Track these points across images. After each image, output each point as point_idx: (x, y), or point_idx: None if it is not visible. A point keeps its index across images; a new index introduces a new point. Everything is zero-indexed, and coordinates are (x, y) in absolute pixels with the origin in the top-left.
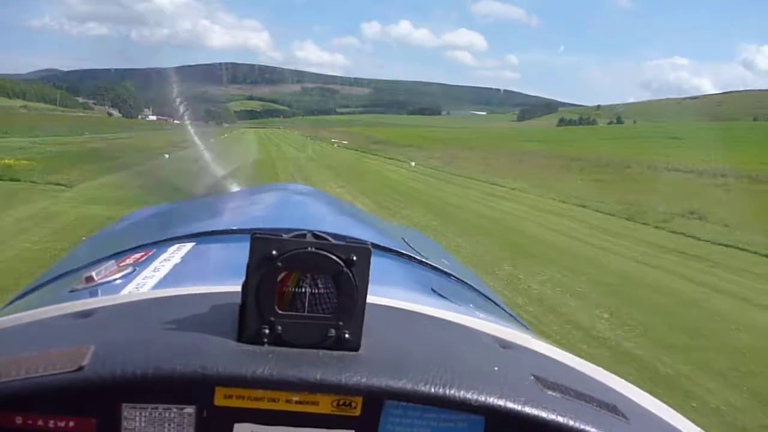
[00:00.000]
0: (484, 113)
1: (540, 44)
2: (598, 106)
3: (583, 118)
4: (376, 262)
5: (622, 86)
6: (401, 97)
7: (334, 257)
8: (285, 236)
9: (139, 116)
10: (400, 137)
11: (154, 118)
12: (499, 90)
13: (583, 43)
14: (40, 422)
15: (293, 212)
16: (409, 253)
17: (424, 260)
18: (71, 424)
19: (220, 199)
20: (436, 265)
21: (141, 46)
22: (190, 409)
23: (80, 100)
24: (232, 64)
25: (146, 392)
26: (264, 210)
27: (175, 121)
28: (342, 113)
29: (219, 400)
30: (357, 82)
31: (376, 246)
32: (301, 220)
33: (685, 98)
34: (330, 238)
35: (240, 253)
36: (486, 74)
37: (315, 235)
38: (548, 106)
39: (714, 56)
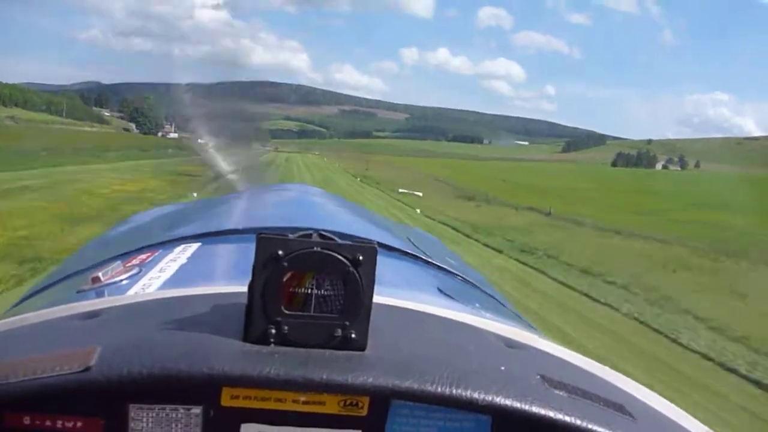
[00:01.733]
0: (527, 143)
1: (579, 76)
2: (649, 141)
3: (642, 154)
4: (382, 262)
5: (662, 120)
6: (439, 124)
7: (340, 257)
8: (291, 236)
9: (159, 133)
10: (485, 183)
11: (175, 135)
12: (539, 121)
13: (622, 76)
14: (47, 422)
15: (299, 212)
16: (415, 253)
17: (430, 260)
18: (79, 424)
19: (226, 200)
20: (441, 265)
21: (182, 62)
22: (197, 410)
23: (102, 112)
24: (271, 82)
25: (153, 393)
26: (270, 210)
27: (200, 140)
28: (379, 137)
29: (226, 400)
30: (394, 106)
31: (382, 246)
32: (306, 220)
33: (744, 138)
34: (336, 238)
35: (246, 253)
36: (522, 104)
37: (321, 235)
38: (594, 139)
39: (757, 95)
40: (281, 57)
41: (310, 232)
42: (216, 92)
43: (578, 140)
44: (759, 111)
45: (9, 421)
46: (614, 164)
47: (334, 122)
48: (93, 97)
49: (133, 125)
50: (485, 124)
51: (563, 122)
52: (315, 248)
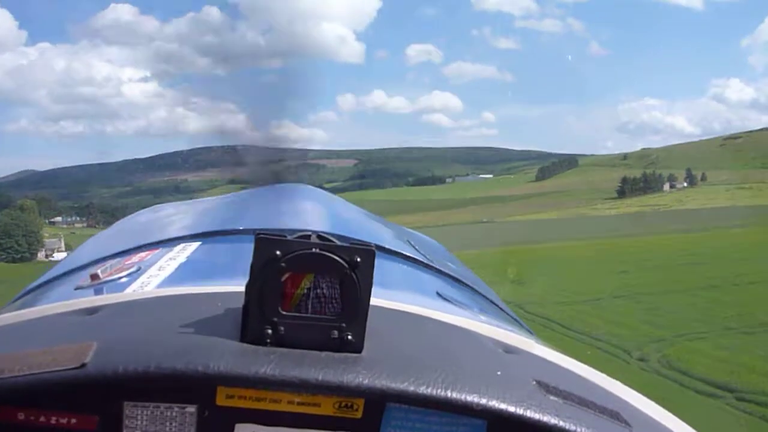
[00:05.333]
0: (491, 176)
1: (514, 98)
2: (625, 156)
3: (649, 176)
4: (381, 265)
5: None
6: (389, 165)
7: (338, 259)
8: (289, 237)
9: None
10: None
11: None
12: (486, 148)
13: (557, 92)
14: (42, 418)
15: (298, 213)
16: (414, 256)
17: (428, 263)
18: (73, 420)
19: (226, 199)
20: (440, 269)
21: (117, 140)
22: (191, 408)
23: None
24: (210, 147)
25: (148, 390)
26: (269, 210)
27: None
28: (331, 188)
29: (221, 399)
30: (340, 154)
31: (380, 248)
32: (305, 221)
33: (726, 138)
34: (334, 240)
35: (244, 253)
36: (464, 134)
37: (319, 236)
38: (569, 162)
39: (683, 95)
40: (217, 120)
41: (309, 233)
42: (154, 165)
43: (554, 165)
44: (688, 110)
45: (4, 416)
46: (621, 193)
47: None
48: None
49: None
50: (434, 158)
51: (508, 146)
52: (313, 249)
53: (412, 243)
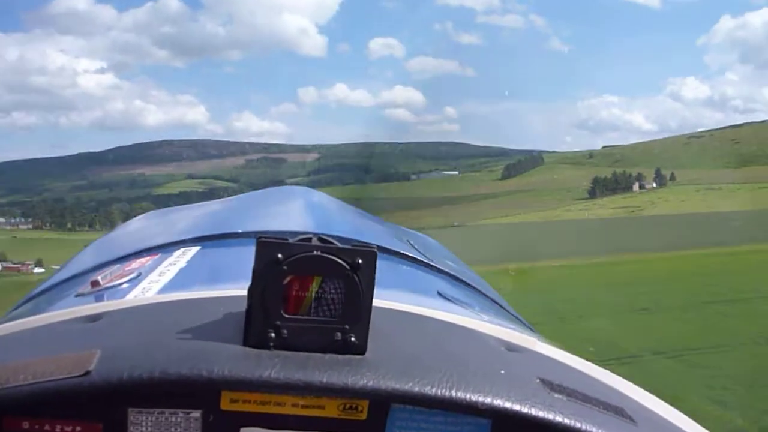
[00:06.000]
0: (456, 173)
1: (476, 94)
2: (591, 154)
3: (619, 176)
4: (382, 266)
5: (560, 127)
6: (352, 159)
7: (340, 261)
8: (291, 240)
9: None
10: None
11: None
12: (448, 143)
13: (518, 88)
14: (47, 427)
15: (299, 215)
16: (415, 256)
17: (430, 263)
18: (78, 428)
19: (226, 203)
20: (441, 268)
21: (72, 132)
22: (196, 414)
23: None
24: (168, 141)
25: (152, 397)
26: (269, 213)
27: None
28: (293, 184)
29: (225, 404)
30: (302, 148)
31: (381, 249)
32: (306, 224)
33: (690, 136)
34: (336, 242)
35: (246, 256)
36: (425, 128)
37: (321, 239)
38: (534, 160)
39: (642, 93)
40: (176, 113)
41: (310, 235)
42: (110, 159)
43: (518, 163)
44: (646, 108)
45: (8, 426)
46: (593, 194)
47: (243, 174)
48: None
49: None
50: (397, 153)
51: (469, 141)
52: (315, 252)
53: (412, 243)
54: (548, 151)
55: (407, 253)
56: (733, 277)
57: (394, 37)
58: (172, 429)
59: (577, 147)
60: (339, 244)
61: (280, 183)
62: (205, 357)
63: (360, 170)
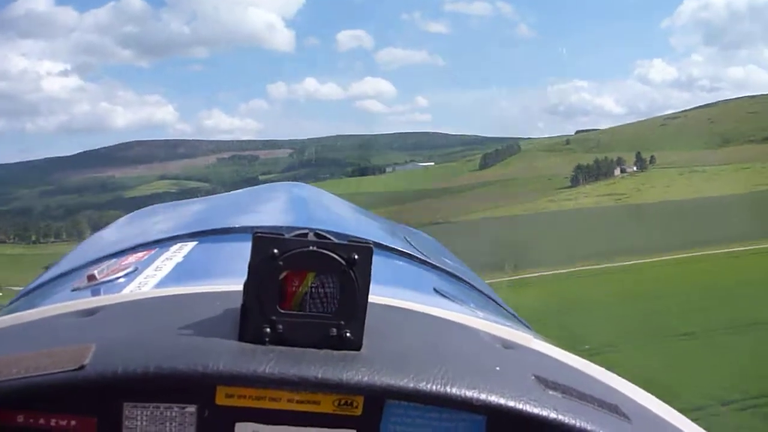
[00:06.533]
0: (432, 163)
1: (447, 83)
2: (567, 140)
3: (600, 162)
4: (378, 262)
5: (532, 113)
6: (326, 154)
7: (336, 256)
8: (287, 235)
9: None
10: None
11: None
12: (421, 133)
13: (488, 76)
14: (41, 421)
15: (295, 211)
16: (411, 252)
17: (426, 260)
18: (73, 422)
19: (222, 198)
20: (437, 265)
21: (38, 137)
22: (191, 408)
23: None
24: (138, 142)
25: (148, 391)
26: (266, 208)
27: None
28: (267, 180)
29: (220, 399)
30: (274, 144)
31: (378, 245)
32: (302, 219)
33: (666, 118)
34: (332, 237)
35: (241, 252)
36: (397, 119)
37: (317, 234)
38: (510, 148)
39: (610, 76)
40: (144, 113)
41: (306, 231)
42: (78, 162)
43: (495, 152)
44: (615, 91)
45: (3, 419)
46: (575, 182)
47: (216, 173)
48: None
49: None
50: (371, 145)
51: (442, 131)
52: (311, 247)
53: (409, 239)
54: (523, 138)
55: (403, 250)
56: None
57: (362, 28)
58: (167, 423)
59: (549, 133)
60: (335, 240)
61: (254, 180)
62: (201, 352)
63: (334, 165)
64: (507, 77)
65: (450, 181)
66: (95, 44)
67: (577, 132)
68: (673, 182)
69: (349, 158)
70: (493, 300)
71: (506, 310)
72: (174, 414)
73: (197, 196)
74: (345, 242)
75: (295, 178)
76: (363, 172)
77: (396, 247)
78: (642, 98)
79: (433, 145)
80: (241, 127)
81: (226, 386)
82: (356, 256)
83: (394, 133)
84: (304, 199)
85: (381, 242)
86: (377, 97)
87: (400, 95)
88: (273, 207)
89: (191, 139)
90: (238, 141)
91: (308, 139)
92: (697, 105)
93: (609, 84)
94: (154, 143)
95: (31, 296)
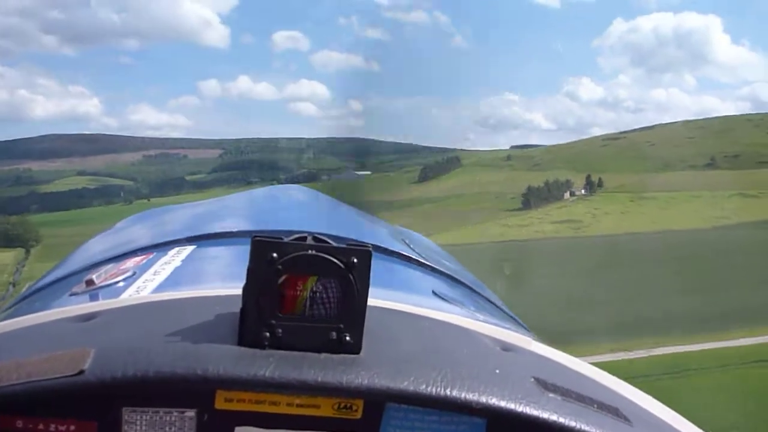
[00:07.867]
0: (369, 172)
1: (381, 89)
2: (508, 156)
3: (550, 184)
4: (377, 265)
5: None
6: (257, 156)
7: (334, 260)
8: (285, 239)
9: None
10: None
11: None
12: (356, 139)
13: (422, 85)
14: (41, 426)
15: (294, 214)
16: (410, 255)
17: (425, 262)
18: (72, 427)
19: (221, 202)
20: (437, 267)
21: None
22: (191, 413)
23: None
24: (57, 135)
25: (147, 396)
26: (264, 212)
27: None
28: (194, 181)
29: (220, 403)
30: (204, 143)
31: (376, 248)
32: (301, 223)
33: (605, 138)
34: (331, 241)
35: (240, 256)
36: (330, 123)
37: (315, 238)
38: (451, 161)
39: (540, 92)
40: (67, 105)
41: (305, 234)
42: None
43: (436, 164)
44: (546, 107)
45: (2, 425)
46: (526, 204)
47: (140, 171)
48: None
49: None
50: (303, 149)
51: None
52: (310, 251)
53: (408, 242)
54: (458, 149)
55: (403, 253)
56: None
57: (298, 30)
58: (167, 428)
59: (481, 145)
60: (334, 244)
61: (180, 180)
62: (200, 356)
63: (267, 168)
64: (440, 87)
65: (388, 194)
66: (15, 27)
67: (512, 147)
68: (628, 210)
69: (281, 161)
70: (493, 303)
71: (505, 312)
72: (173, 418)
73: (120, 195)
74: (344, 246)
75: (223, 180)
76: (294, 179)
77: (395, 250)
78: (570, 115)
79: (368, 152)
80: (171, 123)
81: (225, 390)
82: (355, 260)
83: (329, 138)
84: (303, 202)
85: (380, 245)
86: (311, 100)
87: (334, 99)
88: (272, 210)
89: (116, 134)
90: (166, 138)
91: (240, 139)
92: (635, 128)
93: (539, 99)
94: (75, 137)
95: (29, 301)
